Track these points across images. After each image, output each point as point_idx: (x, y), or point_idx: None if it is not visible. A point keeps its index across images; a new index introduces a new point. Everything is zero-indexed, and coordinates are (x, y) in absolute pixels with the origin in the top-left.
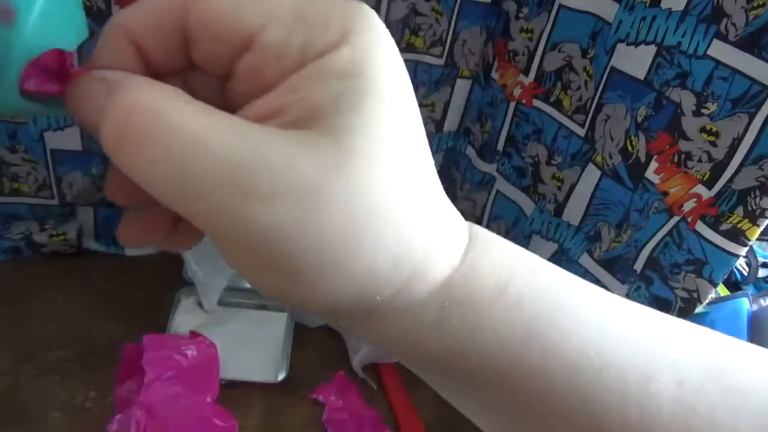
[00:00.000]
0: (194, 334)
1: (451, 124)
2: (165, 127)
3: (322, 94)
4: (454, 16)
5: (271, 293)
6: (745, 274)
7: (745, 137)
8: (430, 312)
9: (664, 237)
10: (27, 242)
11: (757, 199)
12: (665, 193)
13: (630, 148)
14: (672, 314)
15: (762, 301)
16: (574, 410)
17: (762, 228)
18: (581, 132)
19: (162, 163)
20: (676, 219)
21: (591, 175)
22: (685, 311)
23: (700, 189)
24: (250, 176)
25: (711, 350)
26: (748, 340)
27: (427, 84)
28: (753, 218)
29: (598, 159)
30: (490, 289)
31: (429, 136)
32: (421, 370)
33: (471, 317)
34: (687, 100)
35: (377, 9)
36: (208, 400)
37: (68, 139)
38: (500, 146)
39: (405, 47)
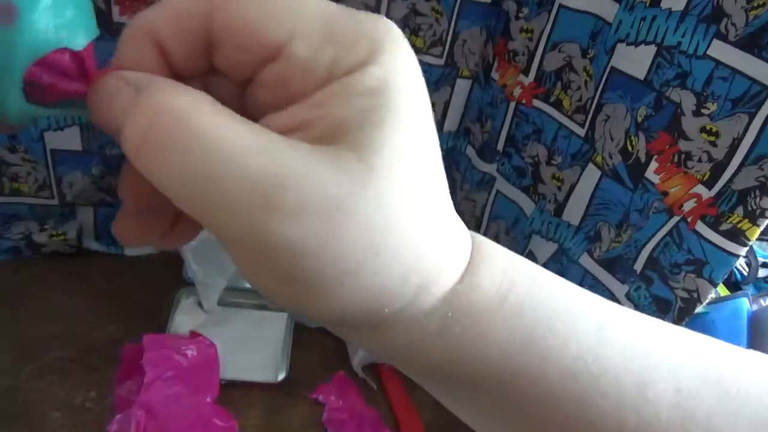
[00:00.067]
0: (194, 334)
1: (451, 124)
2: (191, 133)
3: (347, 110)
4: (454, 16)
5: (280, 302)
6: (745, 274)
7: (745, 137)
8: (433, 323)
9: (664, 237)
10: (27, 242)
11: (757, 199)
12: (665, 193)
13: (630, 148)
14: (672, 314)
15: (762, 301)
16: (571, 417)
17: (762, 228)
18: (581, 132)
19: (186, 169)
20: (676, 219)
21: (591, 175)
22: (685, 311)
23: (700, 189)
24: (277, 191)
25: (708, 357)
26: (748, 340)
27: (427, 84)
28: (753, 218)
29: (598, 159)
30: (491, 299)
31: None
32: (420, 378)
33: (473, 327)
34: (687, 100)
35: (377, 9)
36: (208, 400)
37: (68, 139)
38: (500, 146)
39: None
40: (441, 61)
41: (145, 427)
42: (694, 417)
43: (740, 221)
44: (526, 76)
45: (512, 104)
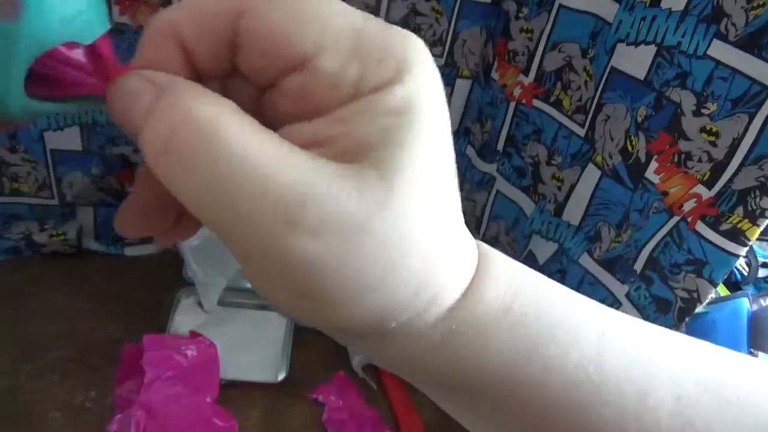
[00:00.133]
0: (194, 334)
1: (451, 124)
2: (217, 145)
3: (370, 129)
4: (454, 16)
5: (291, 314)
6: (745, 274)
7: (745, 137)
8: (438, 333)
9: (664, 237)
10: (27, 242)
11: (757, 199)
12: (665, 193)
13: (630, 148)
14: (672, 314)
15: (762, 301)
16: (573, 425)
17: (762, 228)
18: (581, 132)
19: (209, 181)
20: (676, 219)
21: (591, 175)
22: (685, 311)
23: (700, 189)
24: (299, 207)
25: (709, 364)
26: (748, 340)
27: None
28: (753, 218)
29: (598, 159)
30: (496, 310)
31: None
32: (420, 385)
33: (477, 338)
34: (687, 100)
35: (377, 9)
36: (208, 400)
37: (68, 139)
38: (500, 146)
39: None
40: (441, 61)
41: (145, 427)
42: (694, 424)
43: (740, 221)
44: (526, 76)
45: (512, 104)
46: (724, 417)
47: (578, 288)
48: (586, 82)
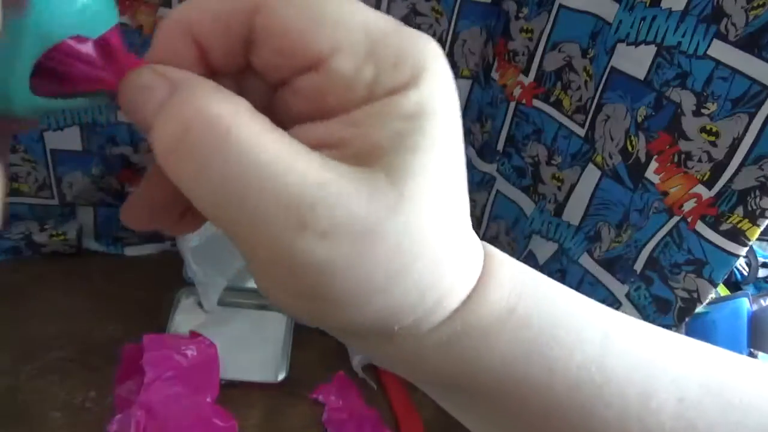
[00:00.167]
0: (194, 334)
1: None
2: (230, 145)
3: (384, 132)
4: (454, 16)
5: (294, 313)
6: (745, 274)
7: (745, 137)
8: (442, 335)
9: (664, 237)
10: (27, 242)
11: (757, 199)
12: (665, 193)
13: (630, 148)
14: (672, 314)
15: (762, 301)
16: (575, 426)
17: (762, 228)
18: (581, 132)
19: (220, 181)
20: (676, 219)
21: (591, 175)
22: (685, 311)
23: (700, 189)
24: (311, 210)
25: (711, 366)
26: (748, 340)
27: None
28: (753, 218)
29: (598, 159)
30: (500, 312)
31: None
32: (422, 384)
33: (481, 340)
34: (687, 100)
35: (377, 9)
36: (208, 400)
37: (68, 139)
38: (500, 146)
39: None
40: None
41: (144, 427)
42: (696, 427)
43: (740, 221)
44: (526, 76)
45: (512, 104)
46: (727, 420)
47: (578, 288)
48: (586, 82)
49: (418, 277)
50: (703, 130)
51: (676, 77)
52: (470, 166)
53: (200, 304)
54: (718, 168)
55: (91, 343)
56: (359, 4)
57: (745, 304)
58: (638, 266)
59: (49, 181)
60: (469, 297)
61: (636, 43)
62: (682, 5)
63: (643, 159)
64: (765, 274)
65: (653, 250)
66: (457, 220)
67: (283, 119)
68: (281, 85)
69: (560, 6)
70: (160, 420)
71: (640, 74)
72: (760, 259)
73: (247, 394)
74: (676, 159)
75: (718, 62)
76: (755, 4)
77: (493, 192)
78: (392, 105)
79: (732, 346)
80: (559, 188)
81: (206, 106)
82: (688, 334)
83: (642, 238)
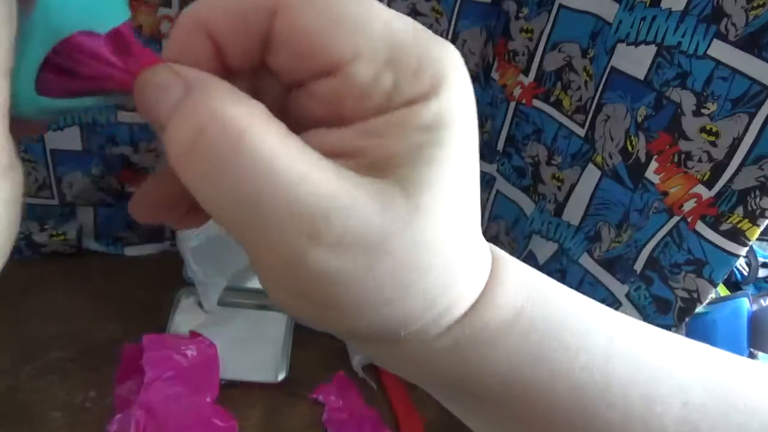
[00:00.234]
0: (194, 334)
1: None
2: (245, 152)
3: (403, 144)
4: (454, 16)
5: (302, 318)
6: (745, 274)
7: (745, 137)
8: (448, 339)
9: (664, 237)
10: (27, 242)
11: (757, 199)
12: (665, 193)
13: (630, 148)
14: (672, 314)
15: (762, 301)
16: (577, 428)
17: (762, 228)
18: (581, 132)
19: (233, 189)
20: (676, 219)
21: (591, 175)
22: (685, 311)
23: (700, 189)
24: (324, 221)
25: (716, 370)
26: (748, 340)
27: None
28: (753, 218)
29: (598, 159)
30: (506, 315)
31: None
32: (425, 386)
33: (487, 343)
34: (687, 100)
35: None
36: (208, 400)
37: (68, 139)
38: (500, 146)
39: None
40: None
41: (144, 427)
42: (700, 430)
43: (740, 221)
44: (526, 76)
45: (512, 104)
46: (731, 423)
47: (578, 288)
48: (586, 82)
49: (429, 288)
50: (703, 130)
51: (676, 77)
52: None
53: (200, 304)
54: (718, 168)
55: (91, 343)
56: (379, 5)
57: (745, 304)
58: (638, 266)
59: (49, 181)
60: (477, 301)
61: (636, 43)
62: (682, 5)
63: (643, 159)
64: (765, 274)
65: (653, 250)
66: (469, 229)
67: (296, 120)
68: (297, 86)
69: (560, 6)
70: (160, 420)
71: (640, 74)
72: (760, 259)
73: (247, 394)
74: (676, 159)
75: (718, 62)
76: (755, 4)
77: (493, 192)
78: (412, 115)
79: (732, 346)
80: (559, 188)
81: (221, 109)
82: (688, 334)
83: (642, 238)
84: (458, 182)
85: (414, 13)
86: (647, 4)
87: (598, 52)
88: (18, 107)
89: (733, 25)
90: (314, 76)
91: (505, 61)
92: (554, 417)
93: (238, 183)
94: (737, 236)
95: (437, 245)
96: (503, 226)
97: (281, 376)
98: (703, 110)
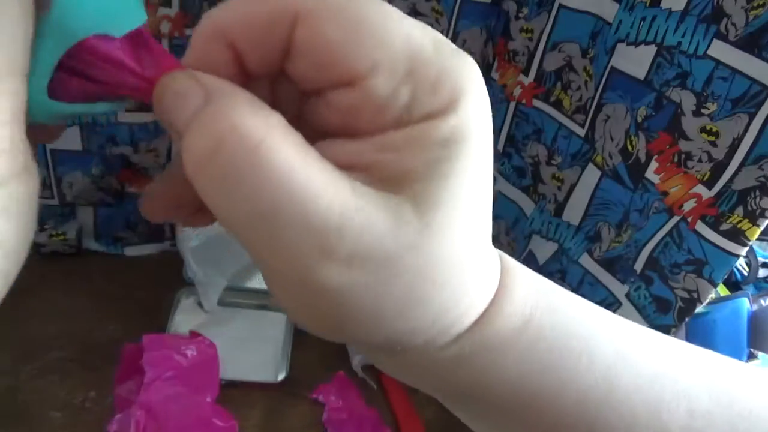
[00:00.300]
0: (194, 334)
1: None
2: (264, 167)
3: (419, 159)
4: (454, 16)
5: (310, 328)
6: (745, 274)
7: (745, 137)
8: (457, 348)
9: (664, 237)
10: None
11: (757, 199)
12: (665, 193)
13: (630, 148)
14: (672, 314)
15: (762, 301)
16: None
17: (762, 228)
18: (581, 132)
19: (247, 197)
20: (676, 219)
21: (591, 175)
22: (685, 311)
23: (700, 189)
24: (336, 237)
25: (721, 378)
26: (748, 340)
27: None
28: (753, 218)
29: (598, 159)
30: (515, 324)
31: None
32: (432, 393)
33: (496, 352)
34: (687, 100)
35: None
36: (208, 400)
37: (68, 139)
38: (500, 146)
39: None
40: None
41: (144, 427)
42: None
43: (740, 221)
44: (526, 76)
45: (512, 104)
46: (736, 431)
47: (578, 288)
48: (586, 82)
49: (441, 302)
50: (703, 130)
51: (676, 77)
52: None
53: (200, 304)
54: (718, 168)
55: (91, 343)
56: (400, 15)
57: (745, 304)
58: (638, 266)
59: (49, 181)
60: (486, 311)
61: (636, 43)
62: (682, 5)
63: (643, 159)
64: (765, 274)
65: (653, 250)
66: (481, 240)
67: (312, 127)
68: (315, 94)
69: (560, 6)
70: (160, 420)
71: (640, 74)
72: (760, 259)
73: (247, 394)
74: (676, 159)
75: (718, 62)
76: (755, 4)
77: (493, 192)
78: (430, 130)
79: (732, 346)
80: (559, 188)
81: (240, 120)
82: (688, 334)
83: (642, 238)
84: (472, 195)
85: (414, 13)
86: (647, 4)
87: (598, 52)
88: (29, 111)
89: (733, 25)
90: (333, 86)
91: (505, 61)
92: (561, 424)
93: (254, 195)
94: (737, 236)
95: (450, 261)
96: (503, 226)
97: (281, 376)
98: (703, 110)
